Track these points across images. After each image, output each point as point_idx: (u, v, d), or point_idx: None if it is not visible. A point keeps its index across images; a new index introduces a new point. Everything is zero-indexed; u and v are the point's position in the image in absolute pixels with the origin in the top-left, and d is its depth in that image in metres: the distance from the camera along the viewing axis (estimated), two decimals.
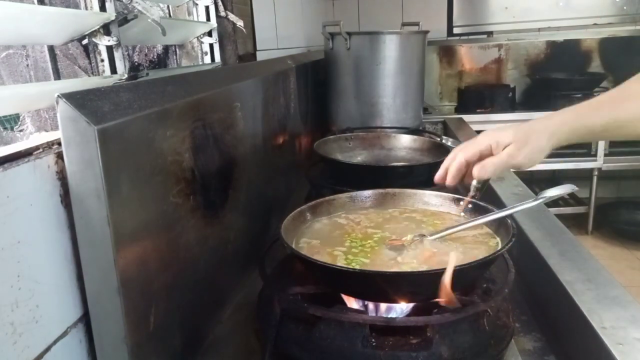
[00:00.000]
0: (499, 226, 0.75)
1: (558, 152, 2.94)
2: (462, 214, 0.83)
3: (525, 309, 0.81)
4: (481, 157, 0.74)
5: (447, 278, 0.57)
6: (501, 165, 0.72)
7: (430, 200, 0.87)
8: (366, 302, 0.67)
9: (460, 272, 0.61)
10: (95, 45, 0.71)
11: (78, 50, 0.77)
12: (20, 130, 0.69)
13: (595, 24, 3.16)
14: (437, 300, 0.60)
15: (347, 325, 0.61)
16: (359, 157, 1.36)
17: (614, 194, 3.32)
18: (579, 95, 2.92)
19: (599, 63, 3.18)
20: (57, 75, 0.76)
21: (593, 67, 3.19)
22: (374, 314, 0.66)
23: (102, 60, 0.72)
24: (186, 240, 0.68)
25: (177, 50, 1.17)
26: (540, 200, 0.74)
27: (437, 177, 0.80)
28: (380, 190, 0.89)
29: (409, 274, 0.64)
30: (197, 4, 1.16)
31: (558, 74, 3.08)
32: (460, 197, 0.85)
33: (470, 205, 0.82)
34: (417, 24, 1.87)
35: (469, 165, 0.75)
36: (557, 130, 0.73)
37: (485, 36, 3.29)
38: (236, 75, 0.96)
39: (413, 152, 1.35)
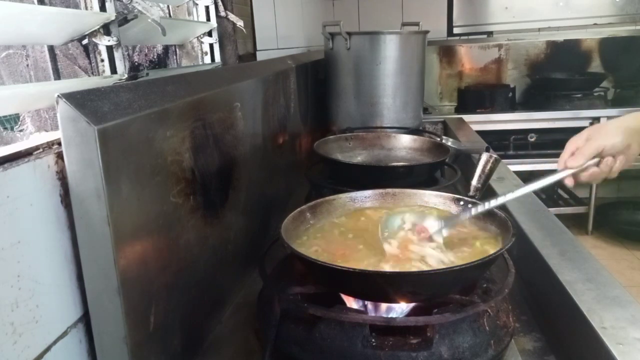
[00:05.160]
0: (499, 226, 0.75)
1: (557, 152, 2.92)
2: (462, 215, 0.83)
3: (525, 309, 0.81)
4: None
5: None
6: (603, 177, 0.77)
7: (430, 200, 0.87)
8: (366, 302, 0.67)
9: (460, 272, 0.61)
10: (95, 45, 0.72)
11: (78, 50, 0.77)
12: (20, 130, 0.69)
13: (595, 24, 3.16)
14: None
15: (347, 325, 0.61)
16: (359, 157, 1.36)
17: (614, 194, 3.31)
18: (579, 95, 2.92)
19: (599, 63, 3.17)
20: (57, 75, 0.76)
21: (593, 67, 3.18)
22: (374, 314, 0.66)
23: (102, 60, 0.73)
24: (186, 240, 0.68)
25: (177, 50, 1.17)
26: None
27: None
28: (380, 190, 0.89)
29: (408, 274, 0.64)
30: (197, 4, 1.16)
31: (558, 74, 3.08)
32: (460, 197, 0.85)
33: (470, 206, 0.82)
34: (417, 24, 1.87)
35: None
36: None
37: (485, 36, 3.29)
38: (236, 75, 0.96)
39: (413, 152, 1.35)
